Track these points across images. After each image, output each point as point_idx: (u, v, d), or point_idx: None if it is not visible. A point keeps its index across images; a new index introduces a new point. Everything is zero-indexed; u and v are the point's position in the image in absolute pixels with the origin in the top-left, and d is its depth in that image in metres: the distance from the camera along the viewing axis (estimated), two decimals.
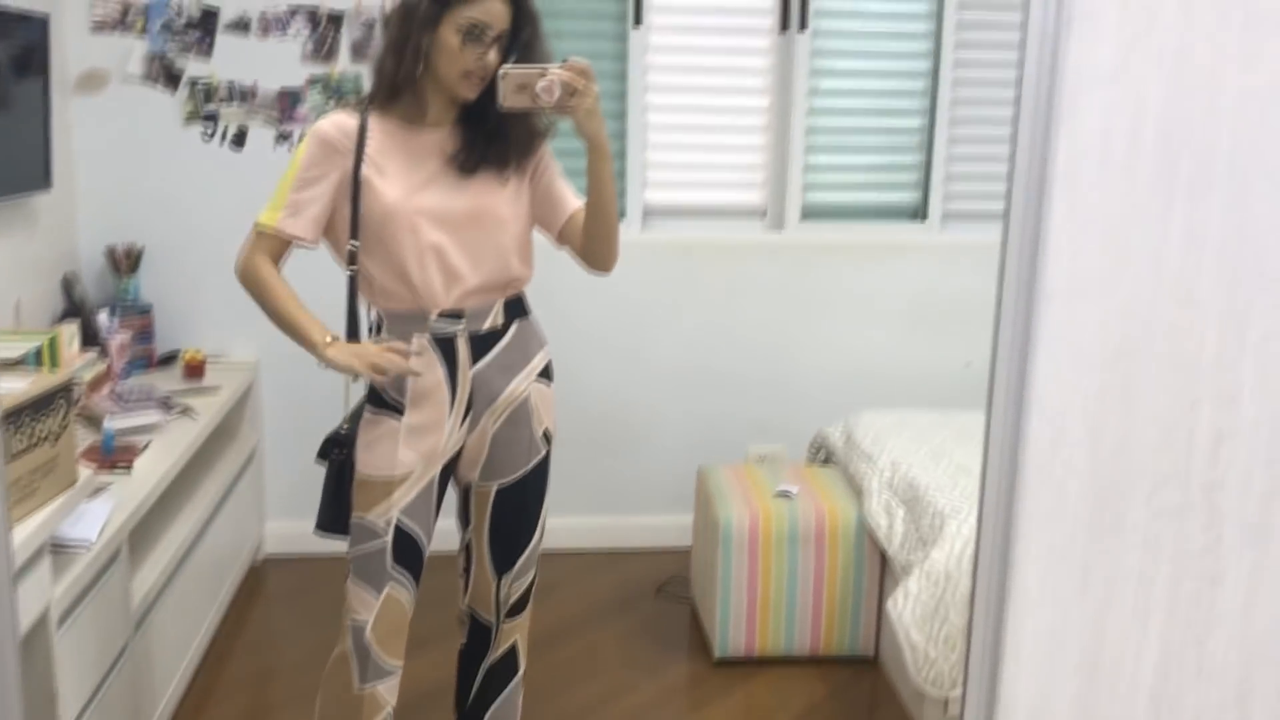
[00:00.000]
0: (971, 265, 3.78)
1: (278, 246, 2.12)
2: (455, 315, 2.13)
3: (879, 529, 3.00)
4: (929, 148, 3.86)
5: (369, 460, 2.14)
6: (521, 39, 2.07)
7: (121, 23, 3.38)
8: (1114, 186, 1.15)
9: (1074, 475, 1.20)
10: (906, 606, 2.70)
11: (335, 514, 2.21)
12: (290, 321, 2.08)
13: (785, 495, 3.16)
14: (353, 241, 2.11)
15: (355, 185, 2.08)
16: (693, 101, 3.76)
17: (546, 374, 2.26)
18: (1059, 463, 1.20)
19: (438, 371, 2.13)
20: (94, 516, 2.33)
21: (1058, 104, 1.12)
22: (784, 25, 3.71)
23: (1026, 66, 1.13)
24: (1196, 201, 1.15)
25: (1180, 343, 1.18)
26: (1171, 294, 1.17)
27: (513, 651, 2.36)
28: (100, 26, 3.38)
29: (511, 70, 1.99)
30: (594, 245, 2.19)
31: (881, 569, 3.11)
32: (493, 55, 2.04)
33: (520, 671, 2.39)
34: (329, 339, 2.04)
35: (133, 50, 3.41)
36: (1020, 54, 1.14)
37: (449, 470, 2.23)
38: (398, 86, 2.08)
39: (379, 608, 2.14)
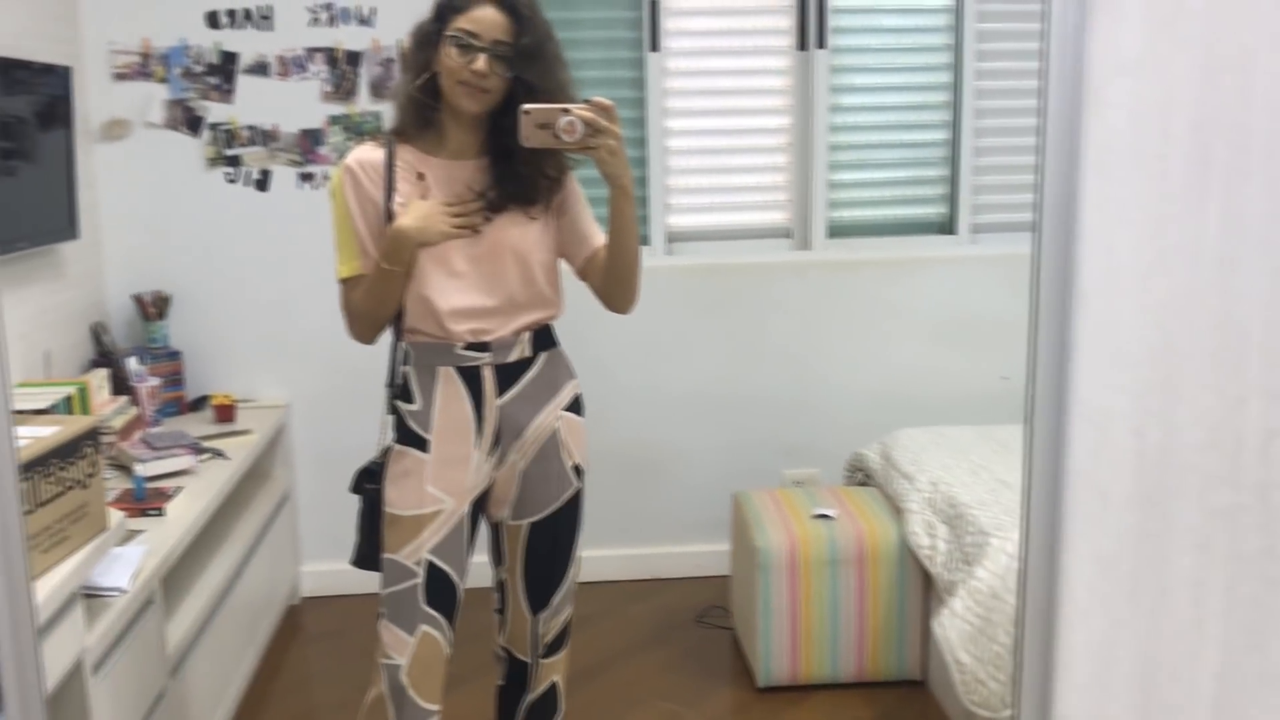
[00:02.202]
0: (1002, 277, 3.72)
1: None
2: (481, 347, 2.11)
3: (921, 549, 2.94)
4: (955, 160, 3.82)
5: (396, 497, 2.11)
6: (521, 46, 2.02)
7: (142, 70, 3.41)
8: (1147, 178, 1.11)
9: (1119, 479, 1.16)
10: (953, 627, 2.64)
11: (371, 549, 2.18)
12: (374, 282, 2.08)
13: (824, 518, 3.10)
14: None
15: (389, 219, 2.07)
16: (713, 124, 3.74)
17: (576, 407, 2.23)
18: (1103, 467, 1.15)
19: (464, 404, 2.10)
20: (126, 563, 2.31)
21: (1084, 95, 1.08)
22: (802, 44, 3.69)
23: (1050, 58, 1.10)
24: (1233, 190, 1.11)
25: (1224, 337, 1.14)
26: (1212, 286, 1.13)
27: (553, 691, 2.32)
28: (122, 75, 3.41)
29: (533, 108, 1.97)
30: (613, 286, 2.16)
31: (925, 589, 3.04)
32: (481, 62, 1.99)
33: (561, 712, 2.34)
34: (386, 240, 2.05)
35: (154, 97, 3.44)
36: (1042, 45, 1.10)
37: (480, 507, 2.20)
38: (417, 112, 2.08)
39: (413, 648, 2.10)
